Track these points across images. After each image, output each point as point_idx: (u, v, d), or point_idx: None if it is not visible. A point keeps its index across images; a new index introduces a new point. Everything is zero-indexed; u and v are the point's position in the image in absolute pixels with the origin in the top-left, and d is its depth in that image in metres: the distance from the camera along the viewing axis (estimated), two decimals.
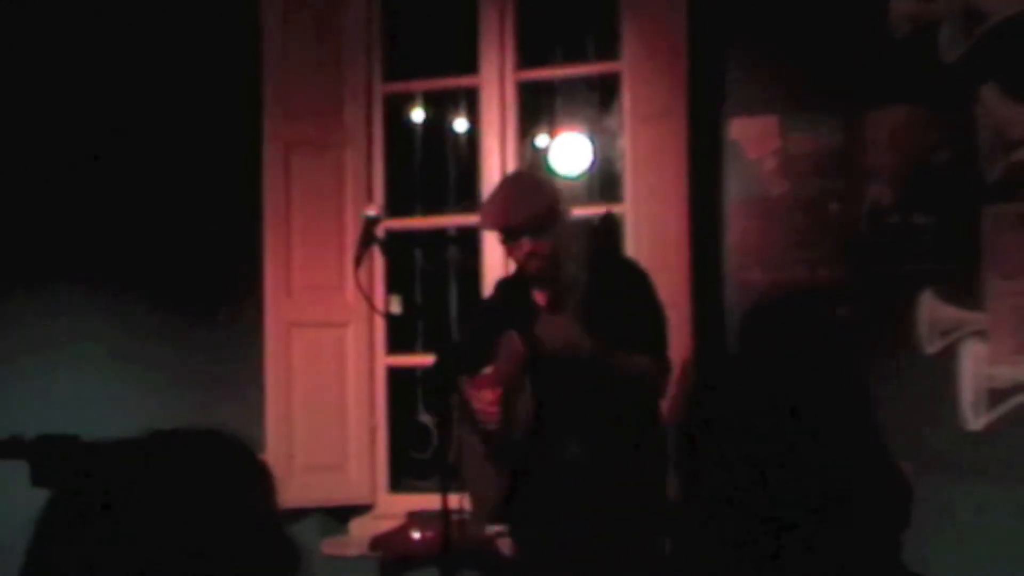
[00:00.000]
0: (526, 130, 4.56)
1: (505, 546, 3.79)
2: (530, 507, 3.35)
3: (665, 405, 3.52)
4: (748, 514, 1.31)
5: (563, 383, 3.29)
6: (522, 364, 3.29)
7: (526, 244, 3.34)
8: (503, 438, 3.34)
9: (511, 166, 4.41)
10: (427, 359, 4.25)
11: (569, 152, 4.73)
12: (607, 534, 3.27)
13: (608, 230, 3.40)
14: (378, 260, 4.27)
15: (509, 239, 3.37)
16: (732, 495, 1.32)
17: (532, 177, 3.66)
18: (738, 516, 1.31)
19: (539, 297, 3.45)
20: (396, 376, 4.54)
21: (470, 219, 4.53)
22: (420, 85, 4.72)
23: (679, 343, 3.95)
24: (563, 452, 3.29)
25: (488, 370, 3.44)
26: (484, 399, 3.36)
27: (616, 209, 4.33)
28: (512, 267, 3.68)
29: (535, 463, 3.32)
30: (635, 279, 3.46)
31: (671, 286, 3.99)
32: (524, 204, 3.36)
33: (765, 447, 1.31)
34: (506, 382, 3.35)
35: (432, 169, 4.74)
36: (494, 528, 3.54)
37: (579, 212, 4.60)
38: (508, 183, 3.54)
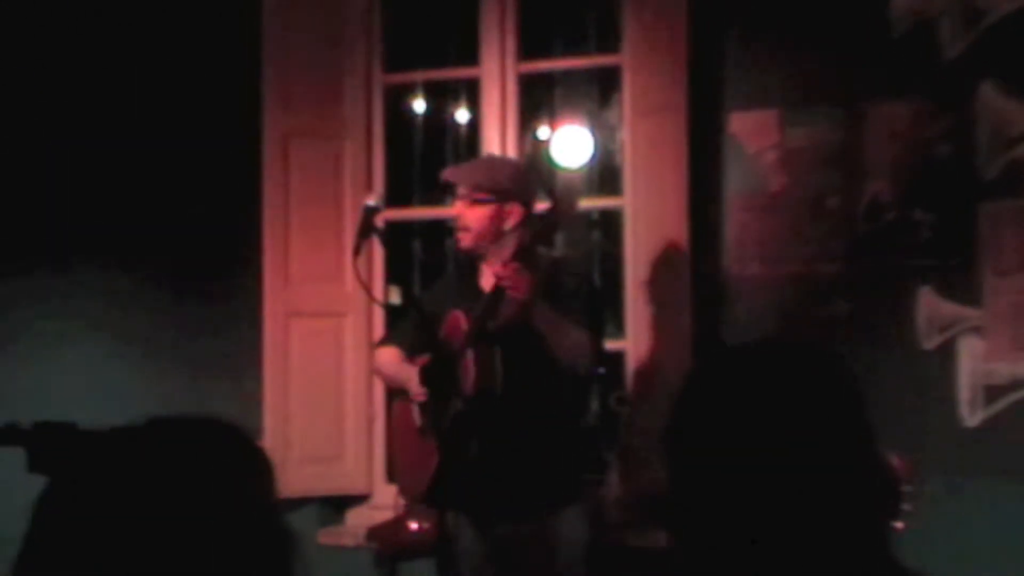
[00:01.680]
0: (526, 122, 4.56)
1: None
2: (461, 481, 3.39)
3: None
4: (737, 511, 1.31)
5: (510, 346, 3.32)
6: (469, 338, 3.32)
7: (458, 207, 3.47)
8: (441, 411, 3.37)
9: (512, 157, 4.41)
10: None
11: (569, 145, 4.72)
12: (528, 515, 3.38)
13: (543, 225, 3.40)
14: (377, 250, 4.27)
15: (451, 201, 3.49)
16: (719, 491, 1.32)
17: (504, 160, 3.82)
18: (727, 513, 1.31)
19: (487, 271, 3.48)
20: None
21: None
22: (420, 76, 4.72)
23: (678, 336, 3.96)
24: (501, 419, 3.33)
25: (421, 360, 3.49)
26: (414, 381, 3.44)
27: (615, 202, 4.34)
28: None
29: (467, 443, 3.35)
30: (575, 272, 3.58)
31: (670, 279, 3.99)
32: (471, 167, 3.53)
33: (751, 440, 1.32)
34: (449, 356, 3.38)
35: (432, 160, 4.74)
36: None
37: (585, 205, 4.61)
38: (482, 156, 3.69)
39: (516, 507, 3.39)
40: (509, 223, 3.42)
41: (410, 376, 3.46)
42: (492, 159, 3.76)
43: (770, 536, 1.30)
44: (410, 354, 3.57)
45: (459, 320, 3.40)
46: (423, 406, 3.42)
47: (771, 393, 1.35)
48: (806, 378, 1.36)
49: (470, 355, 3.32)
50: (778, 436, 1.32)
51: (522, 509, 3.39)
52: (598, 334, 3.50)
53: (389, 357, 3.63)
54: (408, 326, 3.67)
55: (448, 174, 3.58)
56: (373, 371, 3.98)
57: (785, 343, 1.42)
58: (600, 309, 3.64)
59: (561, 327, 3.32)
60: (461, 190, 3.49)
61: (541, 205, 3.51)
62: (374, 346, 3.93)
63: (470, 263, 3.62)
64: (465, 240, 3.47)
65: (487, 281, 3.44)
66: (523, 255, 3.28)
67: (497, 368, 3.32)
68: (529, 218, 3.45)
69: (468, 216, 3.44)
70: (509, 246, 3.37)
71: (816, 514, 1.30)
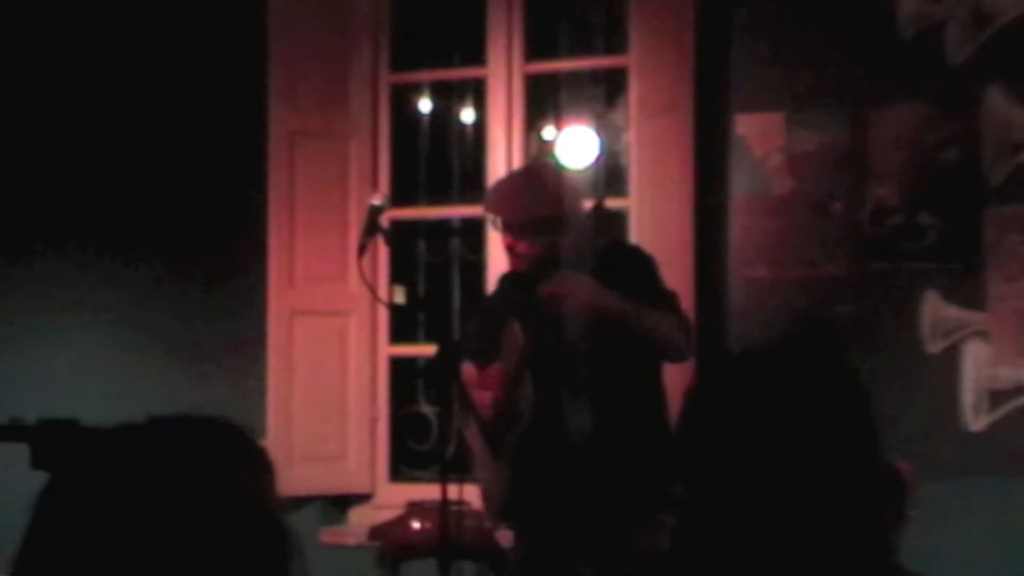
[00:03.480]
0: (532, 123, 4.56)
1: (505, 539, 3.79)
2: (533, 500, 3.31)
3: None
4: (745, 513, 1.30)
5: (577, 343, 3.17)
6: (525, 355, 3.26)
7: (517, 244, 3.26)
8: (503, 433, 3.32)
9: (517, 158, 4.41)
10: (429, 350, 4.26)
11: (575, 145, 4.73)
12: (610, 526, 3.20)
13: (600, 221, 3.30)
14: (382, 250, 4.27)
15: (504, 231, 3.30)
16: (729, 494, 1.32)
17: (547, 176, 3.46)
18: (735, 515, 1.31)
19: (544, 288, 3.29)
20: (398, 366, 4.55)
21: (474, 210, 4.53)
22: (427, 76, 4.72)
23: None
24: (565, 443, 3.18)
25: (494, 368, 3.39)
26: (483, 399, 3.32)
27: (620, 204, 4.34)
28: None
29: (536, 457, 3.29)
30: (637, 264, 3.37)
31: (674, 281, 3.98)
32: (527, 204, 3.26)
33: (757, 445, 1.31)
34: (509, 378, 3.29)
35: (437, 160, 4.74)
36: (502, 525, 3.50)
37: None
38: (523, 176, 3.46)
39: (590, 527, 3.20)
40: (564, 241, 3.25)
41: (476, 397, 3.33)
42: (534, 179, 3.40)
43: (777, 540, 1.29)
44: (477, 361, 3.40)
45: (516, 334, 3.24)
46: (486, 430, 3.33)
47: (777, 400, 1.34)
48: (812, 384, 1.36)
49: (527, 377, 3.21)
50: (784, 442, 1.32)
51: (596, 528, 3.19)
52: (680, 310, 3.30)
53: (471, 372, 3.40)
54: (472, 330, 3.55)
55: (492, 208, 3.32)
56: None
57: (791, 348, 1.42)
58: (668, 288, 3.37)
59: (648, 312, 3.16)
60: (502, 224, 3.28)
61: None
62: (451, 343, 3.67)
63: (516, 278, 3.44)
64: (518, 265, 3.29)
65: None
66: (573, 262, 3.18)
67: (558, 393, 3.16)
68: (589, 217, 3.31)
69: (520, 247, 3.26)
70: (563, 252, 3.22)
71: (822, 520, 1.30)
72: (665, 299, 3.29)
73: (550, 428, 3.20)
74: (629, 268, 3.31)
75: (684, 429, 1.41)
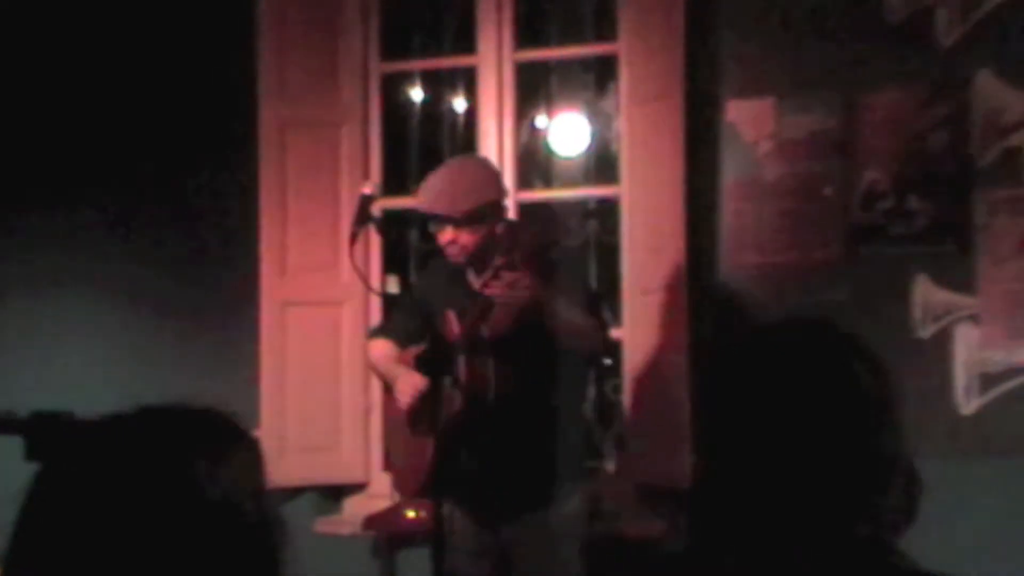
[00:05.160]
0: (523, 110, 4.55)
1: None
2: (458, 474, 3.39)
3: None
4: (758, 491, 1.30)
5: (509, 342, 3.30)
6: (462, 344, 3.31)
7: (447, 233, 3.36)
8: (427, 420, 3.37)
9: (508, 146, 4.41)
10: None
11: (566, 133, 4.73)
12: (529, 499, 3.37)
13: (540, 220, 3.39)
14: (374, 239, 4.27)
15: (434, 224, 3.39)
16: (743, 471, 1.31)
17: (479, 166, 3.57)
18: (751, 507, 1.30)
19: (472, 278, 3.43)
20: None
21: None
22: (417, 64, 4.72)
23: (675, 324, 3.96)
24: (492, 429, 3.32)
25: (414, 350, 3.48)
26: (404, 384, 3.38)
27: (611, 191, 4.34)
28: None
29: (462, 435, 3.35)
30: (570, 263, 3.47)
31: (665, 268, 3.99)
32: (468, 194, 3.34)
33: (775, 423, 1.30)
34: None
35: (428, 148, 4.74)
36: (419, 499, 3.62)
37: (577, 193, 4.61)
38: (456, 169, 3.49)
39: (514, 500, 3.39)
40: (498, 231, 3.34)
41: (399, 376, 3.44)
42: (464, 170, 3.48)
43: (787, 519, 1.29)
44: (404, 345, 3.56)
45: (452, 323, 3.37)
46: (414, 407, 3.40)
47: (799, 378, 1.33)
48: (836, 366, 1.35)
49: (461, 363, 3.30)
50: (800, 421, 1.31)
51: (520, 502, 3.39)
52: (602, 319, 3.48)
53: (382, 351, 3.59)
54: (401, 316, 3.66)
55: (430, 206, 3.39)
56: (367, 364, 3.94)
57: (816, 328, 1.40)
58: (597, 294, 3.62)
59: (569, 317, 3.28)
60: (441, 220, 3.37)
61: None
62: (367, 337, 3.90)
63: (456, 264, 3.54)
64: (459, 256, 3.39)
65: (476, 279, 3.40)
66: (524, 259, 3.24)
67: (489, 377, 3.30)
68: (516, 223, 3.44)
69: (462, 238, 3.35)
70: (500, 251, 3.26)
71: (834, 503, 1.29)
72: (591, 300, 3.43)
73: (481, 410, 3.30)
74: (562, 268, 3.37)
75: (702, 401, 1.40)
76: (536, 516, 3.38)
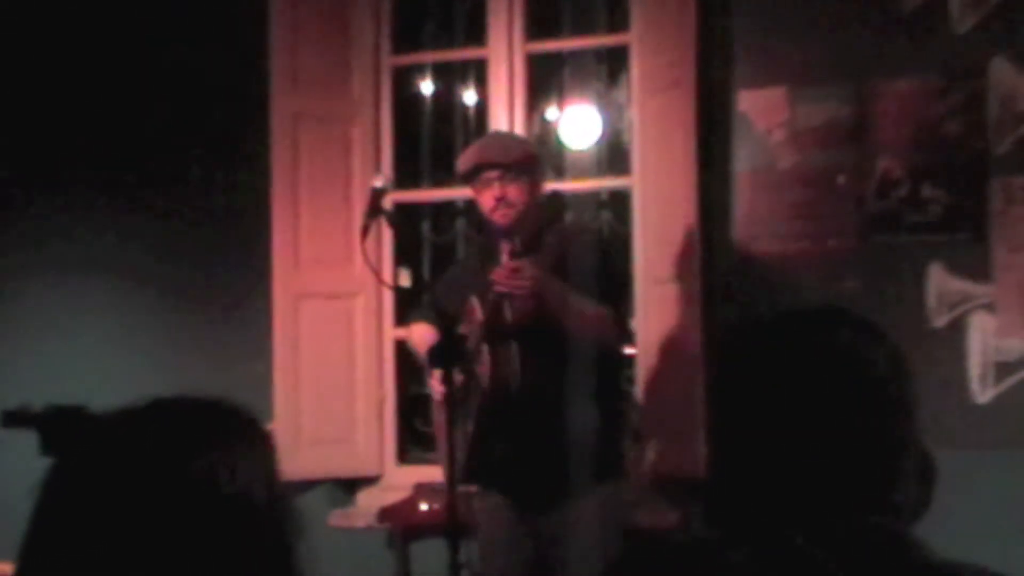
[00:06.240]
0: (535, 102, 4.54)
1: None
2: (495, 462, 3.38)
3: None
4: (771, 478, 1.29)
5: (529, 336, 3.28)
6: (481, 331, 3.30)
7: (496, 188, 3.34)
8: (463, 400, 3.37)
9: None
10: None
11: (578, 124, 4.71)
12: (559, 496, 3.34)
13: (555, 207, 3.39)
14: (386, 232, 4.27)
15: (480, 179, 3.36)
16: (760, 474, 1.30)
17: (513, 133, 3.69)
18: (766, 496, 1.29)
19: (504, 252, 3.39)
20: (403, 348, 4.55)
21: None
22: (428, 57, 4.71)
23: (688, 314, 3.95)
24: (518, 417, 3.31)
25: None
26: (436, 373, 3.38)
27: (624, 181, 4.33)
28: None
29: (497, 423, 3.34)
30: (591, 243, 3.45)
31: (679, 258, 3.99)
32: (500, 144, 3.40)
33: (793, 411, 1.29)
34: (469, 351, 3.36)
35: (440, 141, 4.73)
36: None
37: (588, 185, 4.61)
38: (495, 132, 3.59)
39: (546, 491, 3.35)
40: (540, 197, 3.37)
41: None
42: (506, 134, 3.66)
43: (799, 506, 1.28)
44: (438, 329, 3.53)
45: (475, 312, 3.36)
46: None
47: (813, 366, 1.32)
48: (850, 353, 1.34)
49: (485, 351, 3.29)
50: (814, 408, 1.30)
51: (552, 493, 3.34)
52: (618, 307, 3.42)
53: (421, 335, 3.54)
54: (435, 301, 3.60)
55: (482, 155, 3.40)
56: (409, 345, 3.80)
57: (830, 315, 1.39)
58: (618, 278, 3.52)
59: (576, 306, 3.27)
60: (491, 172, 3.36)
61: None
62: (408, 320, 3.80)
63: (487, 245, 3.57)
64: (508, 217, 3.35)
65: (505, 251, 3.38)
66: (530, 240, 3.25)
67: (514, 365, 3.28)
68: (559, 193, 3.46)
69: (512, 192, 3.34)
70: (532, 224, 3.30)
71: (847, 490, 1.28)
72: (611, 290, 3.39)
73: (505, 398, 3.30)
74: (584, 255, 3.37)
75: (716, 391, 1.39)
76: (567, 506, 3.35)
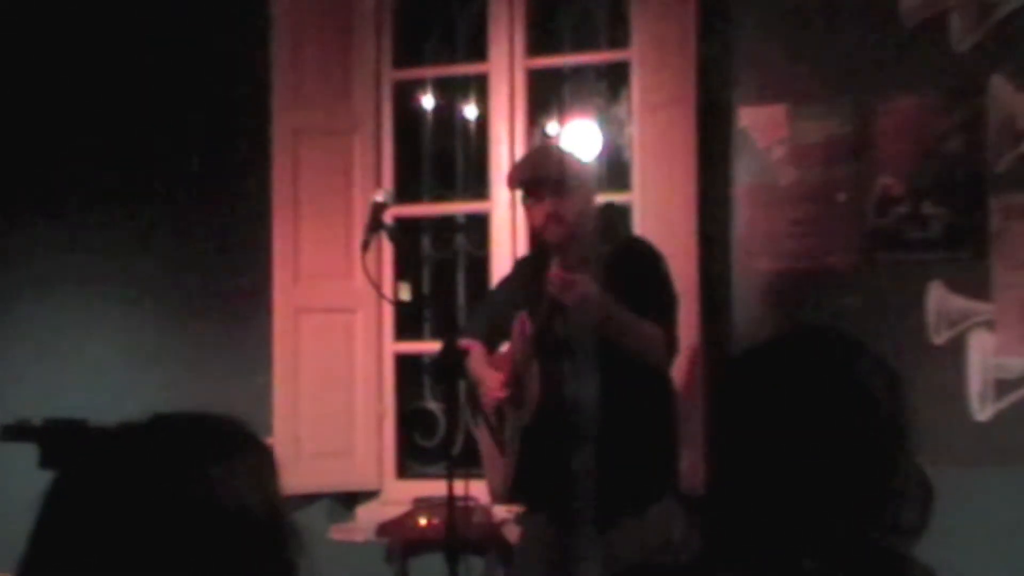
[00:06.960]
0: (535, 117, 4.55)
1: (512, 533, 3.80)
2: (539, 481, 3.33)
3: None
4: (771, 498, 1.29)
5: (578, 352, 3.21)
6: (532, 346, 3.27)
7: (548, 204, 3.27)
8: (508, 421, 3.34)
9: (520, 153, 4.40)
10: (434, 346, 4.26)
11: (578, 139, 4.72)
12: (614, 515, 3.25)
13: (609, 221, 3.33)
14: (386, 247, 4.27)
15: (532, 194, 3.29)
16: (758, 492, 1.30)
17: (562, 148, 3.58)
18: (765, 514, 1.29)
19: (555, 271, 3.29)
20: (403, 363, 4.55)
21: (479, 206, 4.53)
22: (429, 72, 4.71)
23: (687, 330, 3.95)
24: (570, 434, 3.22)
25: (504, 349, 3.43)
26: (492, 380, 3.35)
27: (624, 197, 4.34)
28: (521, 253, 3.66)
29: (542, 441, 3.30)
30: (644, 259, 3.41)
31: (678, 274, 3.98)
32: (552, 159, 3.33)
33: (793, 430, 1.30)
34: (518, 363, 3.32)
35: (441, 156, 4.74)
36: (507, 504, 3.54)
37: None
38: (542, 146, 3.52)
39: (599, 512, 3.23)
40: (592, 209, 3.30)
41: (488, 378, 3.37)
42: (554, 147, 3.51)
43: (798, 525, 1.28)
44: (488, 342, 3.49)
45: (524, 326, 3.29)
46: (489, 421, 3.37)
47: (811, 387, 1.33)
48: (847, 374, 1.34)
49: (534, 368, 3.25)
50: (814, 429, 1.30)
51: (605, 514, 3.24)
52: (668, 325, 3.33)
53: (479, 353, 3.47)
54: (485, 315, 3.60)
55: (530, 171, 3.34)
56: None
57: (827, 336, 1.40)
58: (668, 295, 3.42)
59: (630, 323, 3.20)
60: (540, 189, 3.28)
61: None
62: (457, 335, 3.61)
63: (536, 261, 3.49)
64: (559, 234, 3.29)
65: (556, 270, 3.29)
66: (582, 255, 3.19)
67: (566, 382, 3.21)
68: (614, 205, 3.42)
69: (562, 208, 3.26)
70: (585, 238, 3.24)
71: (846, 509, 1.28)
72: (662, 308, 3.33)
73: (557, 415, 3.23)
74: (637, 271, 3.32)
75: (716, 409, 1.40)
76: (619, 524, 3.25)
